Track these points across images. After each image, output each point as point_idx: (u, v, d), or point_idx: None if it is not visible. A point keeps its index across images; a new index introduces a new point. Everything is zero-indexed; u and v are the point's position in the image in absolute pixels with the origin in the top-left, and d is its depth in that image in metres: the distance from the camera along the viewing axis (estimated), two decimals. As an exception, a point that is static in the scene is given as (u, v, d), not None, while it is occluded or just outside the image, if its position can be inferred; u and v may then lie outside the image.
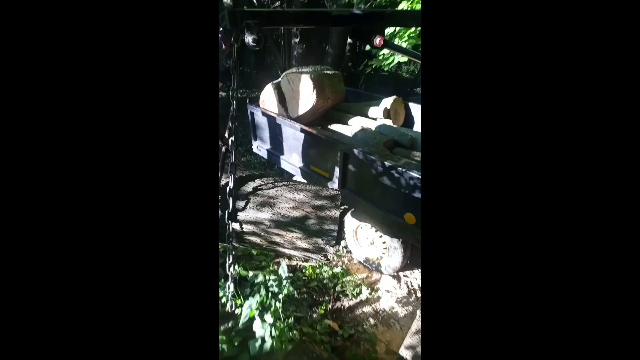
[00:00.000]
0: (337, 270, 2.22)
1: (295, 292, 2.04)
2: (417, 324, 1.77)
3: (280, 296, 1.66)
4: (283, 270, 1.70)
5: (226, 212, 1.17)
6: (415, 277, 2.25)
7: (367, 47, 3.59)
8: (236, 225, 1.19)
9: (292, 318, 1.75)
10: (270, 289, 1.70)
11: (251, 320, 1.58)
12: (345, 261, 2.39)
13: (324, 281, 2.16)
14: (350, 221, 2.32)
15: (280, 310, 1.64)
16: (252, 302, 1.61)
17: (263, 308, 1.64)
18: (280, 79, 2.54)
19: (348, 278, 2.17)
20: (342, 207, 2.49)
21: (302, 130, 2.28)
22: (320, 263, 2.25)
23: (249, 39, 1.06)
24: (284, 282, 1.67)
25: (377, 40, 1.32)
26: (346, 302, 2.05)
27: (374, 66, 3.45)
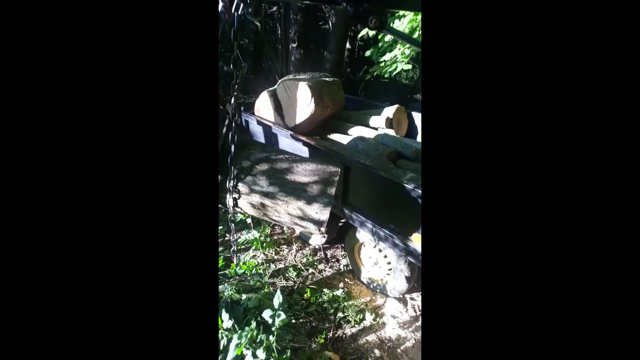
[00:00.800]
0: (338, 293, 2.04)
1: (293, 318, 1.87)
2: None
3: (274, 327, 1.49)
4: (278, 298, 1.52)
5: (227, 180, 1.26)
6: (422, 300, 2.08)
7: (367, 54, 3.48)
8: (235, 195, 1.27)
9: (289, 351, 1.57)
10: (264, 320, 1.53)
11: (241, 357, 1.40)
12: (347, 281, 2.22)
13: (324, 305, 1.99)
14: (351, 239, 2.15)
15: (274, 344, 1.46)
16: (242, 337, 1.43)
17: (255, 342, 1.47)
18: (276, 86, 2.39)
19: (350, 302, 1.99)
20: (342, 222, 2.33)
21: (299, 141, 2.14)
22: (314, 263, 2.07)
23: (247, 9, 1.13)
24: (279, 311, 1.49)
25: (374, 21, 1.27)
26: (348, 330, 1.87)
27: (374, 73, 3.32)
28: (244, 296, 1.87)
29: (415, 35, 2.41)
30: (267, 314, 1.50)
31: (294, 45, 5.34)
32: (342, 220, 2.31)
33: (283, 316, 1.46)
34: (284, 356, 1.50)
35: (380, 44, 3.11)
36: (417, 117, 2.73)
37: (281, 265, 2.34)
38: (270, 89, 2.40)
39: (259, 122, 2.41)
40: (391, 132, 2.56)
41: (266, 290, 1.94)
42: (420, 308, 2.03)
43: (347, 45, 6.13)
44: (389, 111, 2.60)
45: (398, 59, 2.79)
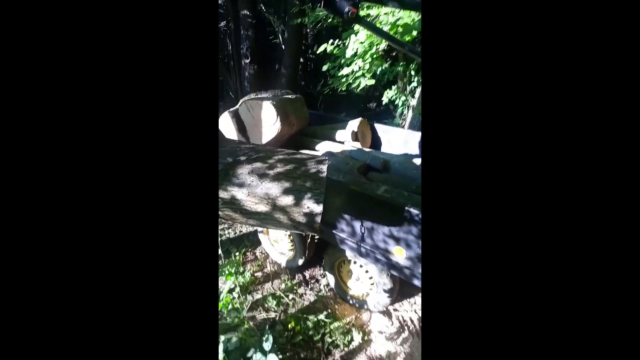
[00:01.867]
0: (323, 317, 1.96)
1: (279, 353, 1.74)
2: (420, 370, 1.59)
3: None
4: (268, 340, 1.39)
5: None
6: (405, 310, 2.09)
7: (324, 68, 3.53)
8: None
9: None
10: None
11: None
12: (330, 302, 2.15)
13: (310, 332, 1.89)
14: (330, 257, 2.10)
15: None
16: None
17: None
18: (238, 107, 2.28)
19: (336, 324, 1.92)
20: (316, 238, 2.27)
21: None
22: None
23: None
24: (270, 353, 1.37)
25: (350, 12, 1.24)
26: (337, 354, 1.80)
27: (334, 87, 3.37)
28: (222, 337, 1.69)
29: (414, 34, 2.45)
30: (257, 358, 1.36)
31: (247, 60, 5.24)
32: (317, 238, 2.26)
33: (275, 358, 1.34)
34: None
35: (337, 59, 3.18)
36: (380, 128, 2.82)
37: (259, 296, 2.19)
38: (231, 109, 2.29)
39: (222, 144, 2.27)
40: (357, 144, 2.60)
41: (246, 326, 1.79)
42: (404, 319, 2.04)
43: (300, 59, 6.20)
44: (354, 124, 2.64)
45: (358, 74, 2.86)
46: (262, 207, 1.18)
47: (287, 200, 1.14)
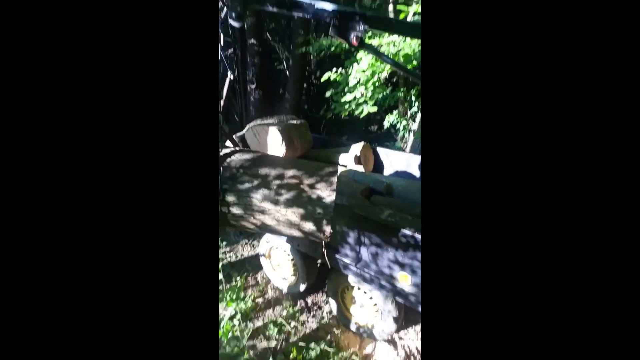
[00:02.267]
0: (324, 346, 1.89)
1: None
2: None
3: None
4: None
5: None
6: (411, 339, 2.01)
7: (327, 94, 3.65)
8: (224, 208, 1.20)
9: None
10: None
11: None
12: (334, 330, 2.08)
13: (312, 363, 1.81)
14: (334, 283, 2.06)
15: None
16: None
17: None
18: (244, 132, 2.34)
19: (340, 355, 1.85)
20: (320, 263, 2.24)
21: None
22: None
23: (231, 14, 1.29)
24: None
25: (354, 39, 1.33)
26: (342, 388, 1.72)
27: (338, 113, 3.46)
28: (221, 367, 1.63)
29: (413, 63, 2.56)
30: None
31: (253, 86, 5.43)
32: (320, 262, 2.23)
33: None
34: None
35: (340, 86, 3.29)
36: (382, 152, 2.86)
37: (259, 323, 2.12)
38: (238, 134, 2.35)
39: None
40: (360, 168, 2.63)
41: (246, 356, 1.72)
42: (410, 348, 1.96)
43: (304, 85, 6.41)
44: (357, 148, 2.68)
45: (360, 101, 2.96)
46: (270, 221, 1.25)
47: (297, 210, 1.20)
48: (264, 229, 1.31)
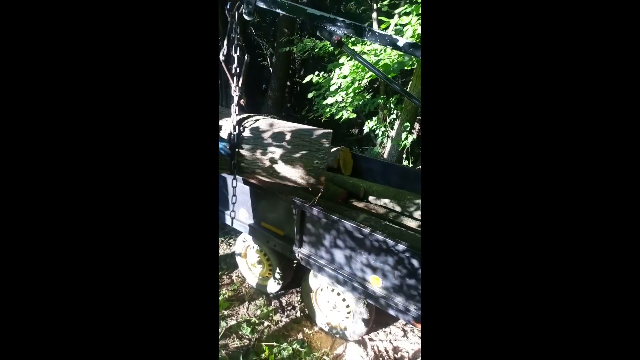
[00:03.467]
0: (296, 346, 1.93)
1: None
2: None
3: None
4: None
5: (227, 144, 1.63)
6: (380, 339, 2.10)
7: (310, 95, 3.68)
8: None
9: None
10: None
11: None
12: (306, 330, 2.12)
13: (284, 362, 1.85)
14: (309, 284, 2.10)
15: None
16: None
17: None
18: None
19: (311, 355, 1.89)
20: (294, 263, 2.27)
21: (249, 184, 2.07)
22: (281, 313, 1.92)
23: (244, 9, 1.59)
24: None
25: (336, 40, 1.54)
26: (311, 386, 1.76)
27: (318, 115, 3.50)
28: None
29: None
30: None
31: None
32: (295, 263, 2.26)
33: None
34: None
35: (322, 88, 3.33)
36: (360, 157, 2.94)
37: (233, 322, 2.12)
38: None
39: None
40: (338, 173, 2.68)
41: (219, 356, 1.73)
42: (379, 349, 2.05)
43: (287, 83, 6.39)
44: (335, 152, 2.73)
45: (340, 106, 3.02)
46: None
47: (298, 158, 1.64)
48: (273, 174, 1.72)
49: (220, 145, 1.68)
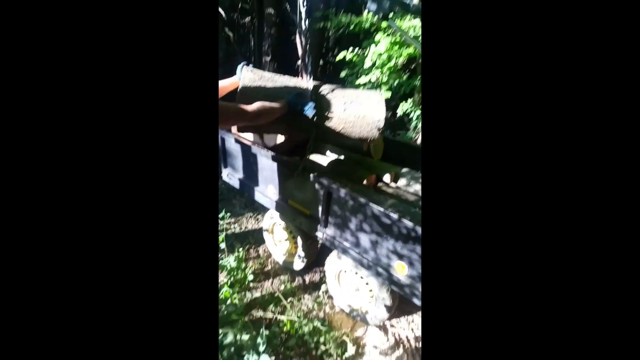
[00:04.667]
0: (317, 324, 1.97)
1: (273, 354, 1.75)
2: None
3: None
4: (262, 338, 1.41)
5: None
6: (402, 327, 2.08)
7: (342, 74, 3.54)
8: None
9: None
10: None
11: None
12: (327, 309, 2.15)
13: (305, 337, 1.90)
14: (332, 264, 2.11)
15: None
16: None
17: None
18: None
19: (331, 333, 1.93)
20: (319, 242, 2.28)
21: (278, 161, 2.07)
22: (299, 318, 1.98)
23: None
24: (264, 354, 1.38)
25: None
26: (330, 363, 1.80)
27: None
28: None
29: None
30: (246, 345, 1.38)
31: (268, 58, 5.29)
32: (320, 243, 2.27)
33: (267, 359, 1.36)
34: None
35: (356, 67, 3.19)
36: (392, 141, 2.81)
37: (257, 294, 2.21)
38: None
39: (237, 141, 2.31)
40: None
41: (242, 322, 1.81)
42: (400, 336, 2.03)
43: (320, 62, 6.23)
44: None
45: (374, 85, 2.87)
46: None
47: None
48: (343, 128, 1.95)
49: (308, 104, 1.74)
